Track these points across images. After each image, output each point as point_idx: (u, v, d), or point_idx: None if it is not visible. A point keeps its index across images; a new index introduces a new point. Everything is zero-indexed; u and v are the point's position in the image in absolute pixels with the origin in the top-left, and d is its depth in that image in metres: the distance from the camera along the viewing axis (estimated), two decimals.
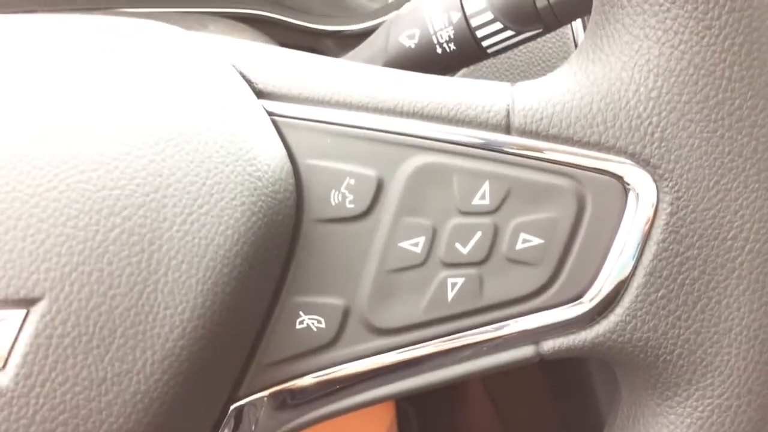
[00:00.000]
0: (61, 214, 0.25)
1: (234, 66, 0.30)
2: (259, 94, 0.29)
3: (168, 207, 0.26)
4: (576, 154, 0.28)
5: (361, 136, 0.29)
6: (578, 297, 0.29)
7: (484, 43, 0.39)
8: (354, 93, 0.29)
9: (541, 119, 0.28)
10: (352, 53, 0.44)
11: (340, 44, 0.58)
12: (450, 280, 0.29)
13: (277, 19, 0.58)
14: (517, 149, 0.29)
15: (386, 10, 0.58)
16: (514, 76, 0.51)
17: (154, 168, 0.26)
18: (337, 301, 0.29)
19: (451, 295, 0.29)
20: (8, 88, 0.27)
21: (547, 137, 0.28)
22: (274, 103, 0.29)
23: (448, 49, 0.40)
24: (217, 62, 0.29)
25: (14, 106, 0.26)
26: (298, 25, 0.58)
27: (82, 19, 0.30)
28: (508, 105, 0.29)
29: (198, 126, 0.27)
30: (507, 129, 0.29)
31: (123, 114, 0.27)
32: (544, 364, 0.30)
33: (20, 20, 0.29)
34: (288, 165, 0.29)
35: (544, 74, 0.40)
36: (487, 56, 0.41)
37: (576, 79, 0.28)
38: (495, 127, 0.29)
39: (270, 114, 0.29)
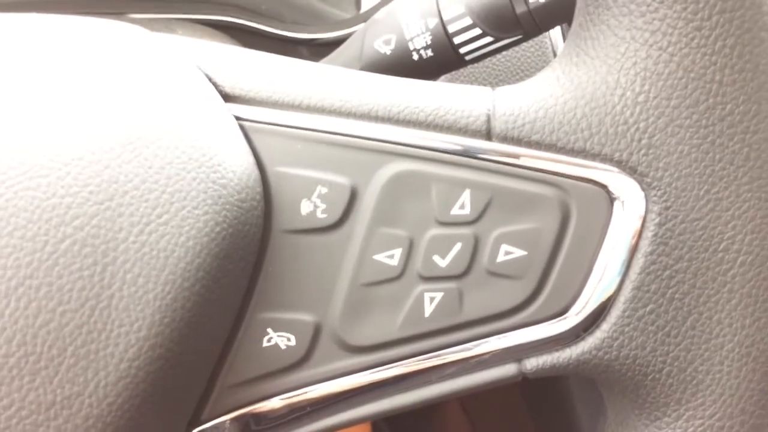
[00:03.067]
0: (7, 224, 0.23)
1: (199, 67, 0.28)
2: (226, 97, 0.28)
3: (124, 216, 0.24)
4: (560, 162, 0.27)
5: (334, 142, 0.27)
6: (563, 312, 0.27)
7: (462, 50, 0.38)
8: (326, 97, 0.28)
9: (523, 125, 0.27)
10: (325, 60, 0.43)
11: (314, 52, 0.57)
12: (428, 295, 0.27)
13: (249, 26, 0.57)
14: (498, 156, 0.27)
15: (359, 18, 0.57)
16: (491, 84, 0.50)
17: (109, 174, 0.24)
18: (307, 317, 0.27)
19: (428, 310, 0.27)
20: None
21: (530, 144, 0.27)
22: (242, 106, 0.28)
23: (424, 56, 0.38)
24: (180, 63, 0.27)
25: None
26: (271, 32, 0.57)
27: (36, 18, 0.28)
28: (489, 110, 0.27)
29: (158, 130, 0.25)
30: (487, 135, 0.27)
31: (77, 116, 0.25)
32: (522, 380, 0.28)
33: None
34: (256, 172, 0.27)
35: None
36: (465, 63, 0.39)
37: (559, 84, 0.27)
38: (475, 133, 0.27)
39: (237, 118, 0.27)
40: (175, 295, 0.24)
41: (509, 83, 0.51)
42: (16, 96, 0.25)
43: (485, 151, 0.27)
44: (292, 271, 0.27)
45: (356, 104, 0.28)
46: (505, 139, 0.27)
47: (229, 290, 0.26)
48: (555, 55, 0.51)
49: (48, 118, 0.25)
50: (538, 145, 0.27)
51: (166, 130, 0.25)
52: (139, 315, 0.24)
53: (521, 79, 0.50)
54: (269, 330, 0.27)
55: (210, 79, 0.28)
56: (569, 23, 0.32)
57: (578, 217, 0.27)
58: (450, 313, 0.27)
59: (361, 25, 0.54)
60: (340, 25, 0.57)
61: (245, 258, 0.26)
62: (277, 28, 0.57)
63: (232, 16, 0.56)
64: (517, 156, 0.27)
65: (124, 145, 0.25)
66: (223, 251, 0.25)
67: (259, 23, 0.56)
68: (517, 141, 0.27)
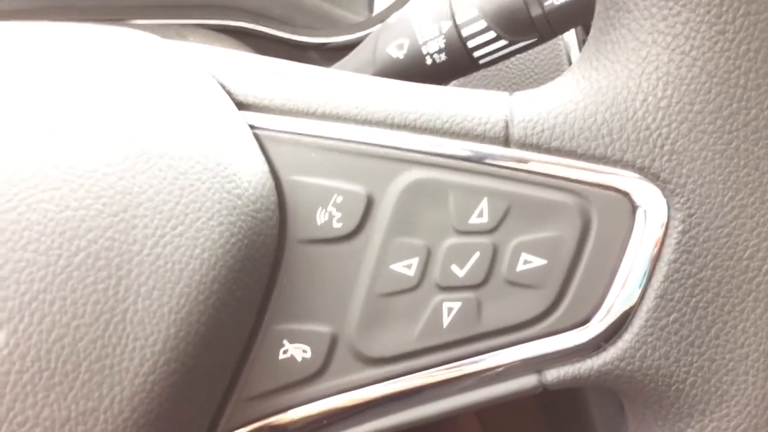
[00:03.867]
0: (20, 238, 0.23)
1: (213, 75, 0.28)
2: (240, 105, 0.27)
3: (138, 228, 0.24)
4: (580, 169, 0.26)
5: (349, 150, 0.27)
6: (584, 322, 0.27)
7: (476, 54, 0.38)
8: (341, 104, 0.27)
9: (542, 131, 0.26)
10: (336, 65, 0.43)
11: (325, 57, 0.57)
12: (446, 305, 0.27)
13: (260, 31, 0.56)
14: (517, 163, 0.27)
15: (371, 22, 0.57)
16: (505, 88, 0.50)
17: (123, 186, 0.24)
18: (323, 329, 0.27)
19: (446, 320, 0.27)
20: None
21: (549, 150, 0.27)
22: (256, 114, 0.27)
23: (438, 60, 0.38)
24: (194, 71, 0.27)
25: None
26: (282, 37, 0.57)
27: (49, 26, 0.28)
28: (507, 116, 0.27)
29: (172, 140, 0.25)
30: (506, 141, 0.27)
31: (89, 127, 0.25)
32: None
33: None
34: (270, 181, 0.27)
35: (536, 87, 0.38)
36: (479, 67, 0.39)
37: (579, 88, 0.27)
38: (493, 140, 0.27)
39: (251, 127, 0.27)
40: (190, 308, 0.24)
41: (522, 87, 0.50)
42: (28, 106, 0.25)
43: (503, 158, 0.27)
44: (308, 281, 0.27)
45: (372, 111, 0.27)
46: (523, 145, 0.27)
47: (245, 302, 0.26)
48: (569, 57, 0.50)
49: (60, 129, 0.24)
50: (557, 151, 0.27)
51: (180, 140, 0.25)
52: (154, 329, 0.23)
53: (534, 82, 0.50)
54: (285, 342, 0.27)
55: (224, 88, 0.27)
56: (584, 26, 0.31)
57: (599, 224, 0.27)
58: (468, 324, 0.27)
59: (373, 29, 0.54)
60: (352, 29, 0.57)
61: (260, 269, 0.26)
62: (288, 32, 0.56)
63: (243, 21, 0.56)
64: (535, 163, 0.27)
65: (137, 155, 0.24)
66: (239, 263, 0.25)
67: (270, 28, 0.56)
68: (536, 147, 0.27)
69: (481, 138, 0.27)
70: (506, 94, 0.28)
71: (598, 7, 0.27)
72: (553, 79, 0.29)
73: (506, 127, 0.27)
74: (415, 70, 0.39)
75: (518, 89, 0.50)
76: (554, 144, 0.26)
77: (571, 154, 0.26)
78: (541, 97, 0.27)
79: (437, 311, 0.27)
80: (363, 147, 0.27)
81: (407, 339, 0.27)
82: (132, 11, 0.55)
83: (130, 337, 0.23)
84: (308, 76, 0.28)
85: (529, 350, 0.27)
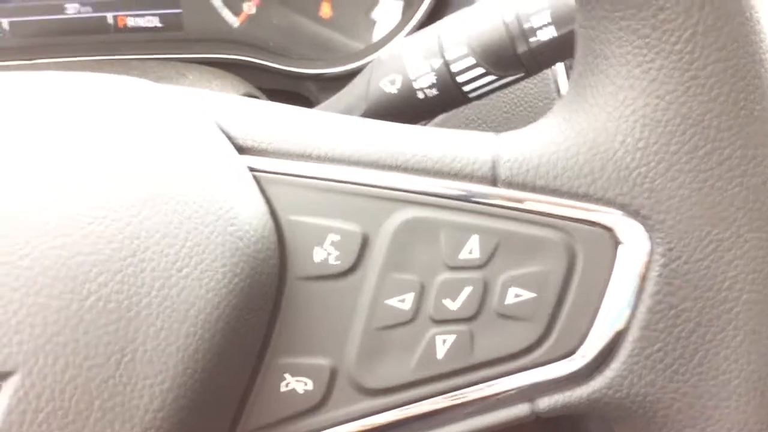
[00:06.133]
0: (34, 283, 0.24)
1: (215, 121, 0.29)
2: (240, 149, 0.29)
3: (146, 271, 0.25)
4: (564, 206, 0.28)
5: (345, 191, 0.28)
6: (572, 352, 0.28)
7: (466, 88, 0.39)
8: (336, 147, 0.29)
9: (528, 171, 0.28)
10: (332, 99, 0.44)
11: (322, 87, 0.58)
12: (439, 337, 0.28)
13: (257, 63, 0.58)
14: (505, 201, 0.28)
15: (366, 52, 0.58)
16: (496, 118, 0.51)
17: (131, 231, 0.25)
18: (323, 362, 0.28)
19: (441, 352, 0.28)
20: None
21: (534, 189, 0.28)
22: (256, 158, 0.29)
23: (429, 95, 0.39)
24: (197, 118, 0.28)
25: None
26: (279, 69, 0.58)
27: (56, 77, 0.29)
28: (494, 156, 0.28)
29: (177, 185, 0.26)
30: (493, 181, 0.28)
31: (98, 175, 0.26)
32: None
33: None
34: (270, 222, 0.28)
35: (526, 117, 0.39)
36: (469, 101, 0.40)
37: (561, 130, 0.28)
38: (481, 180, 0.28)
39: (251, 169, 0.28)
40: (197, 346, 0.25)
41: (514, 117, 0.51)
42: (37, 157, 0.26)
43: (491, 197, 0.28)
44: (308, 316, 0.28)
45: (365, 153, 0.29)
46: (510, 184, 0.28)
47: (248, 339, 0.27)
48: (557, 86, 0.52)
49: (69, 178, 0.26)
50: (542, 189, 0.28)
51: (184, 186, 0.26)
52: (162, 367, 0.25)
53: (526, 112, 0.51)
54: (287, 375, 0.28)
55: (225, 133, 0.29)
56: (571, 59, 0.33)
57: (584, 259, 0.28)
58: (462, 355, 0.28)
59: (368, 58, 0.55)
60: (348, 60, 0.58)
61: (262, 307, 0.27)
62: (284, 64, 0.58)
63: (239, 55, 0.57)
64: (522, 201, 0.28)
65: (144, 201, 0.26)
66: (242, 302, 0.26)
67: (266, 60, 0.57)
68: (522, 186, 0.28)
69: (470, 177, 0.28)
70: (493, 134, 0.29)
71: (578, 54, 0.29)
72: (542, 107, 0.30)
73: (493, 167, 0.28)
74: (407, 103, 0.40)
75: (509, 119, 0.52)
76: (539, 183, 0.28)
77: (555, 192, 0.28)
78: (526, 137, 0.29)
79: (432, 343, 0.28)
80: (357, 187, 0.28)
81: (404, 370, 0.28)
82: (132, 46, 0.56)
83: (140, 375, 0.24)
84: (304, 121, 0.30)
85: (521, 380, 0.28)
